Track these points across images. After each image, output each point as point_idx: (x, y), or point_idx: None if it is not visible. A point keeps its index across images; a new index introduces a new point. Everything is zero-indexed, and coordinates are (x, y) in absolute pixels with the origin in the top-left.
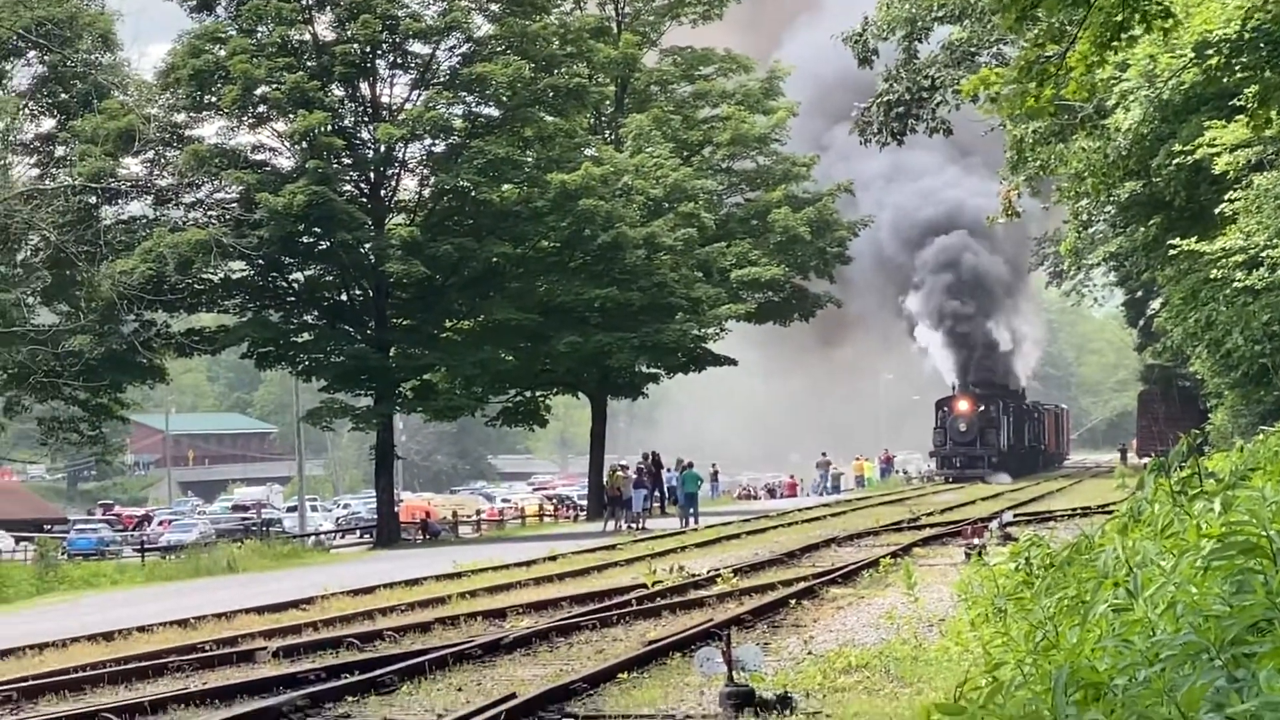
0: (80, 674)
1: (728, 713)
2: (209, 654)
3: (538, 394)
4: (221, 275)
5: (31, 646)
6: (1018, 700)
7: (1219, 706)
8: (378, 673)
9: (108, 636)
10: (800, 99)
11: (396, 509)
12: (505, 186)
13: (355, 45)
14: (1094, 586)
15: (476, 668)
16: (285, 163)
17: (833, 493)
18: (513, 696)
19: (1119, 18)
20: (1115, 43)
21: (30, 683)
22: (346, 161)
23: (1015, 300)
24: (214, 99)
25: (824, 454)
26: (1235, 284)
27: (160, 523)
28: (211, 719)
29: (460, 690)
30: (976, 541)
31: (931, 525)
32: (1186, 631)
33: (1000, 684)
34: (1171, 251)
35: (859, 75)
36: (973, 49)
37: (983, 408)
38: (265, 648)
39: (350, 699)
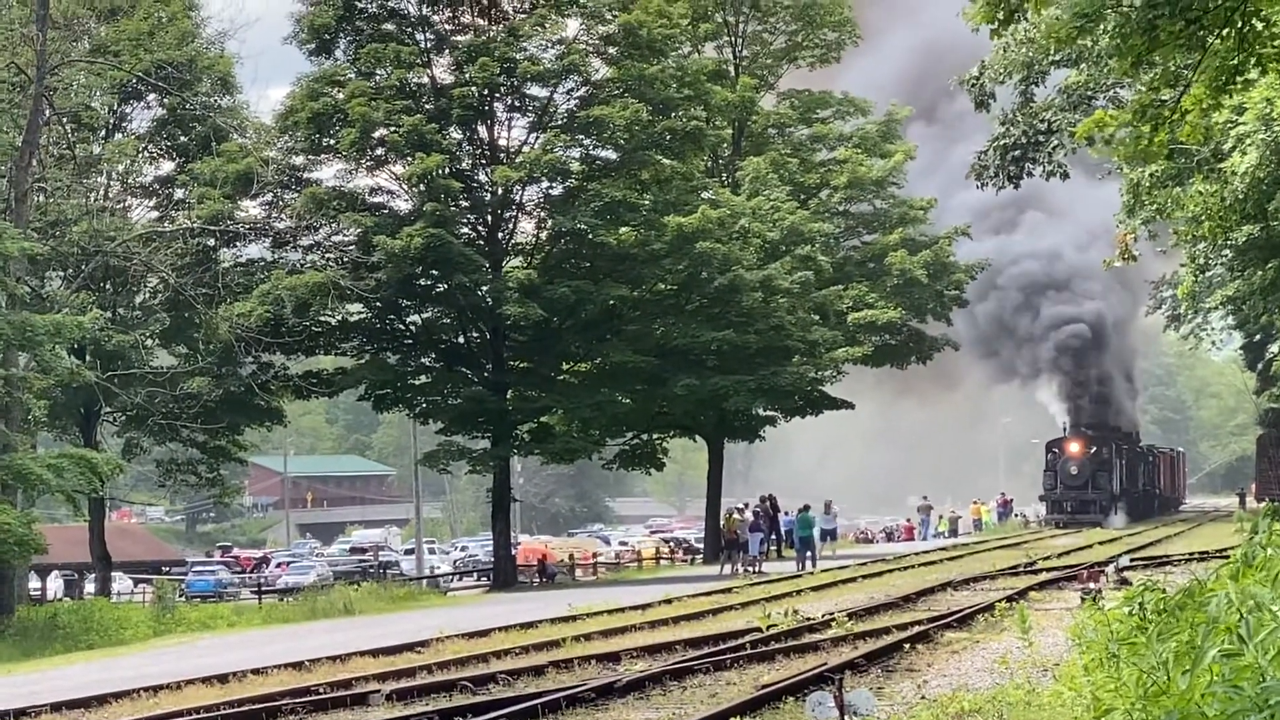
0: (194, 716)
1: None
2: (322, 696)
3: (654, 437)
4: (339, 317)
5: (147, 689)
6: None
7: None
8: (490, 716)
9: (222, 679)
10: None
11: (513, 551)
12: (622, 229)
13: (473, 88)
14: (1206, 632)
15: (589, 711)
16: (403, 205)
17: (949, 536)
18: None
19: (1234, 61)
20: (1230, 86)
21: None
22: (464, 204)
23: (1129, 341)
24: (332, 142)
25: (924, 498)
26: None
27: (278, 565)
28: None
29: None
30: (1092, 586)
31: (1047, 569)
32: None
33: None
34: None
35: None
36: (1089, 93)
37: (1094, 449)
38: (379, 690)
39: None
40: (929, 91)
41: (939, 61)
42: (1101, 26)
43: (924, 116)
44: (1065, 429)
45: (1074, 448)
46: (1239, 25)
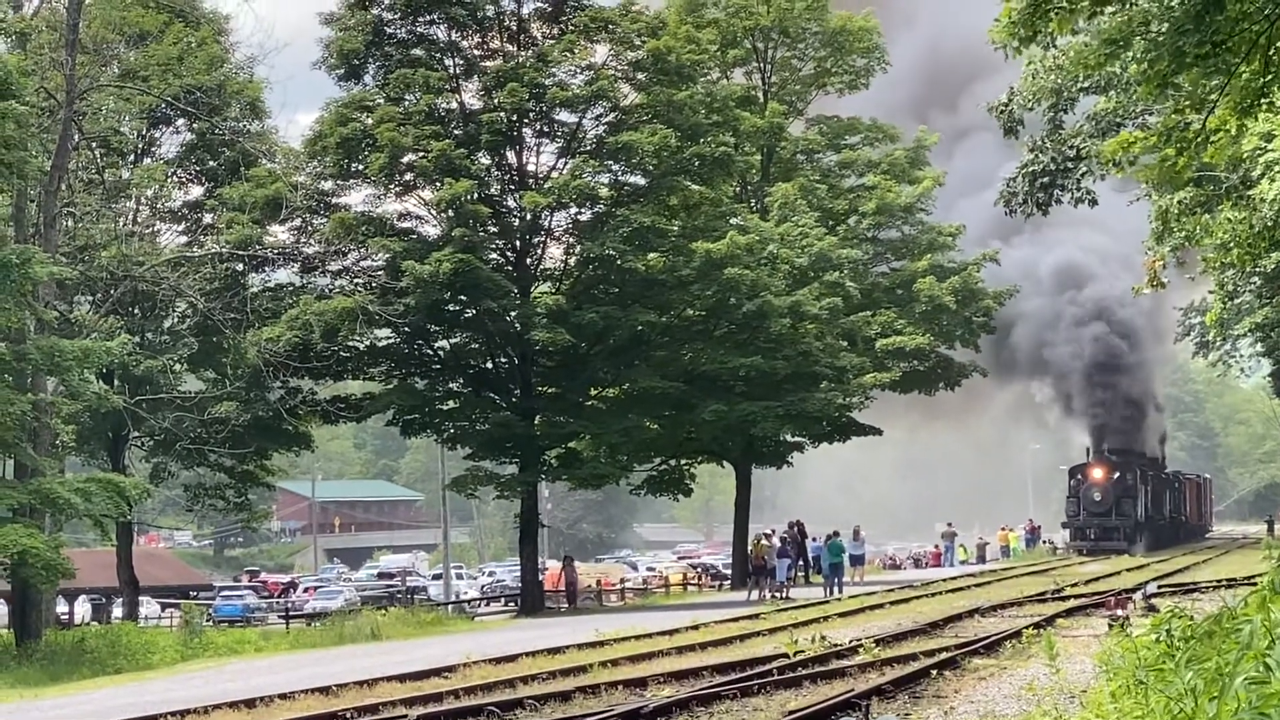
0: None
1: None
2: None
3: (682, 462)
4: (367, 343)
5: (174, 713)
6: None
7: None
8: None
9: (249, 704)
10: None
11: (540, 577)
12: (651, 255)
13: (502, 114)
14: (1234, 659)
15: None
16: (431, 230)
17: (978, 562)
18: None
19: (1258, 84)
20: (1255, 108)
21: None
22: (492, 229)
23: (1154, 366)
24: (361, 167)
25: (949, 524)
26: None
27: (305, 589)
28: None
29: None
30: (1120, 613)
31: (1075, 596)
32: None
33: None
34: None
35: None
36: (1118, 120)
37: (1118, 475)
38: (406, 715)
39: None
40: (930, 93)
41: (940, 63)
42: (1129, 53)
43: (921, 117)
44: (1089, 454)
45: (1097, 473)
46: (1266, 49)
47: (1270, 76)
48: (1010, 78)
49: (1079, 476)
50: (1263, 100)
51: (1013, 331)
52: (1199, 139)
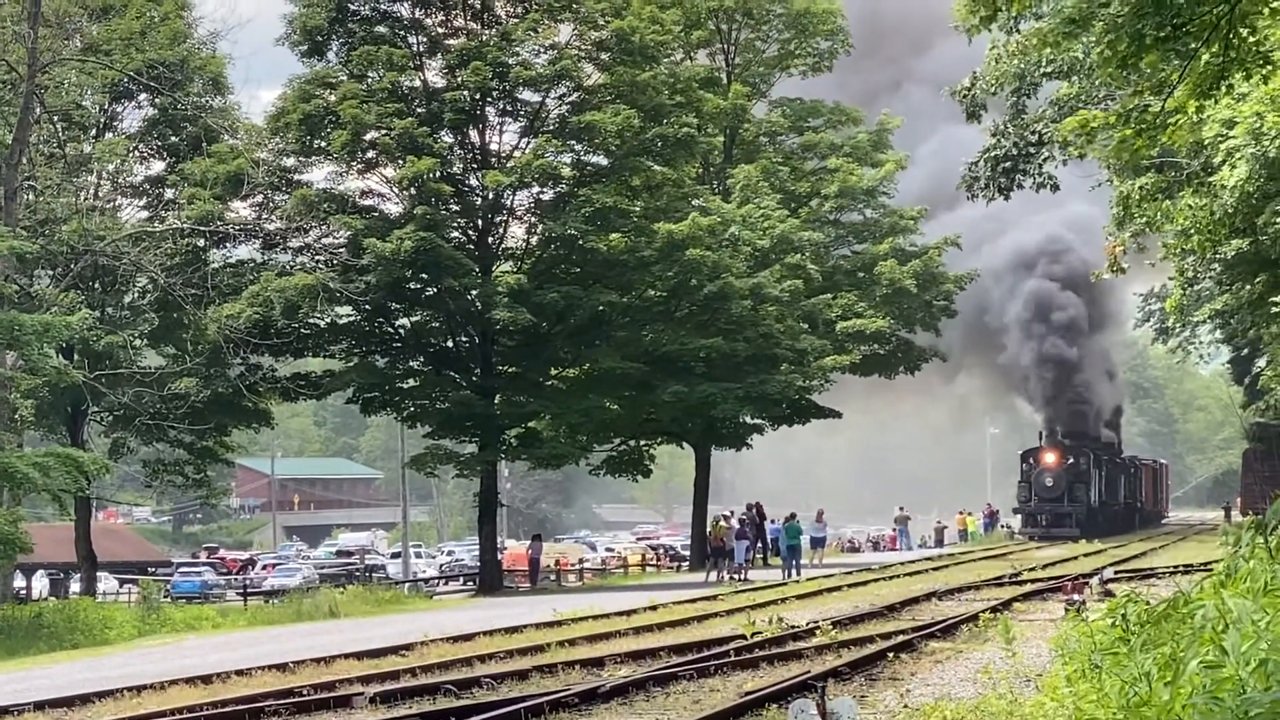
0: (177, 717)
1: None
2: (306, 698)
3: (642, 443)
4: (328, 320)
5: (131, 689)
6: None
7: None
8: None
9: (206, 679)
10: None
11: (499, 556)
12: (613, 235)
13: (465, 92)
14: (1188, 643)
15: (573, 716)
16: (393, 208)
17: (935, 546)
18: None
19: (1217, 67)
20: (1215, 91)
21: None
22: (454, 208)
23: (1111, 351)
24: (323, 144)
25: (901, 508)
26: None
27: (264, 566)
28: None
29: None
30: (1076, 597)
31: (1032, 581)
32: (1276, 690)
33: None
34: (1275, 309)
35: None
36: (1081, 105)
37: (1071, 460)
38: (362, 693)
39: None
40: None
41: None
42: (1088, 34)
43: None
44: (1042, 438)
45: (1049, 458)
46: (1225, 33)
47: (1229, 60)
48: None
49: (1031, 461)
50: (1222, 83)
51: (972, 315)
52: (1158, 121)
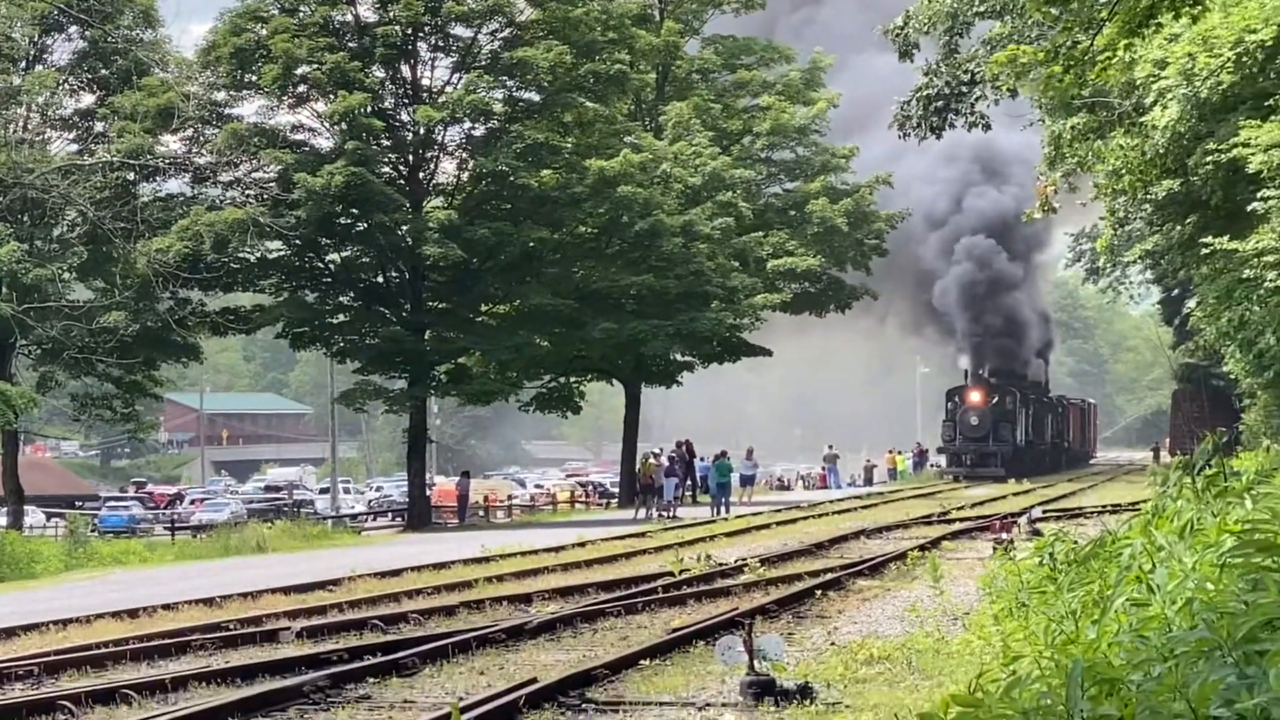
0: (102, 650)
1: (747, 702)
2: (232, 633)
3: (572, 380)
4: (258, 255)
5: (56, 622)
6: (1032, 694)
7: (1229, 703)
8: (400, 655)
9: (133, 614)
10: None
11: (429, 492)
12: (544, 172)
13: (397, 27)
14: (1115, 582)
15: (499, 652)
16: (324, 143)
17: (864, 485)
18: (533, 681)
19: (1147, 4)
20: (1144, 29)
21: (52, 658)
22: (386, 143)
23: (1039, 289)
24: (254, 78)
25: (830, 447)
26: (1268, 284)
27: (192, 501)
28: (231, 697)
29: (482, 674)
30: (1004, 536)
31: (961, 519)
32: (1201, 628)
33: (1017, 678)
34: (1205, 250)
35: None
36: (1013, 44)
37: (997, 399)
38: (289, 628)
39: (371, 680)
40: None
41: None
42: None
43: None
44: (968, 377)
45: (974, 397)
46: None
47: None
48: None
49: (956, 400)
50: (1152, 21)
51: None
52: (1086, 58)
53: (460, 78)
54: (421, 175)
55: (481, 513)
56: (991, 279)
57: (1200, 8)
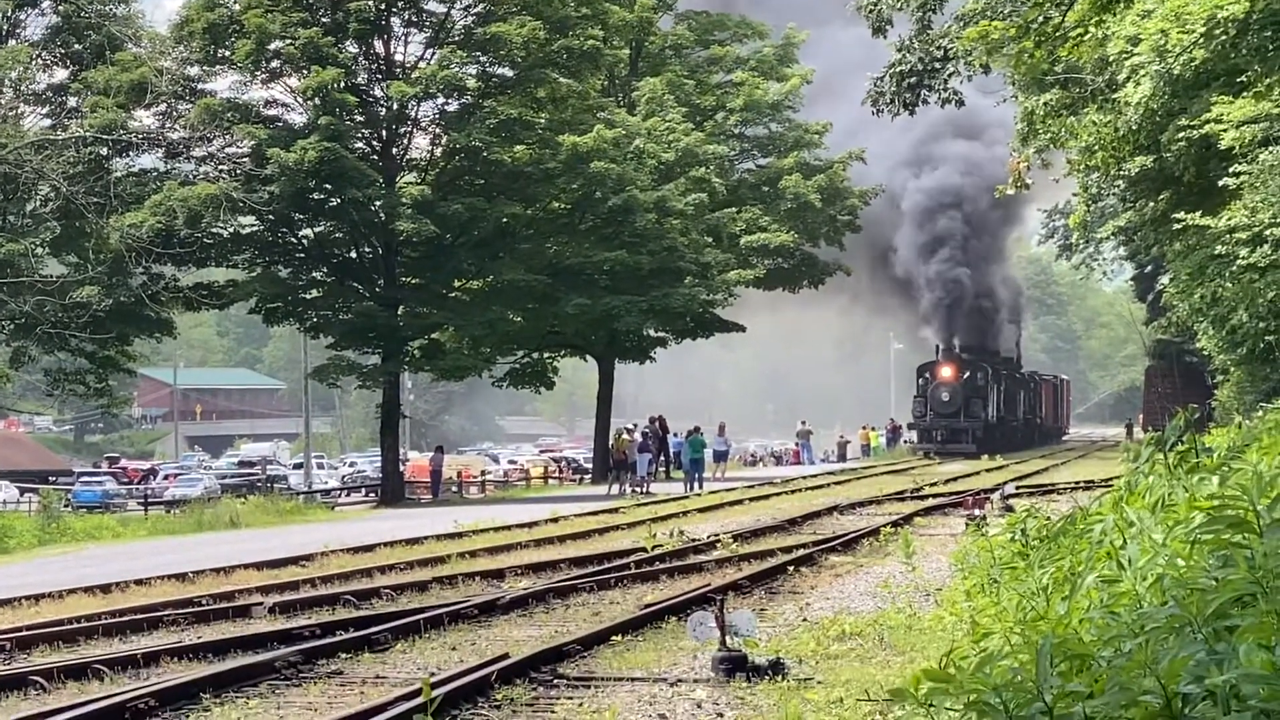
0: (74, 625)
1: (719, 677)
2: (205, 608)
3: (545, 356)
4: (231, 230)
5: (28, 597)
6: (1003, 670)
7: (1199, 679)
8: (372, 630)
9: (105, 589)
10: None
11: (402, 468)
12: (517, 147)
13: (370, 2)
14: (1086, 558)
15: (472, 627)
16: (297, 118)
17: (837, 461)
18: (506, 656)
19: None
20: (1114, 5)
21: (24, 633)
22: (359, 118)
23: (1011, 265)
24: (227, 53)
25: (803, 422)
26: (1240, 261)
27: (165, 476)
28: (204, 673)
29: (454, 649)
30: (977, 512)
31: (934, 495)
32: (1171, 605)
33: (987, 654)
34: (1178, 226)
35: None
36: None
37: (968, 375)
38: (261, 603)
39: (344, 655)
40: None
41: None
42: None
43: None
44: (939, 352)
45: (945, 372)
46: None
47: None
48: None
49: (927, 375)
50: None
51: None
52: (1057, 34)
53: (433, 53)
54: (395, 151)
55: (455, 488)
56: (962, 253)
57: None
